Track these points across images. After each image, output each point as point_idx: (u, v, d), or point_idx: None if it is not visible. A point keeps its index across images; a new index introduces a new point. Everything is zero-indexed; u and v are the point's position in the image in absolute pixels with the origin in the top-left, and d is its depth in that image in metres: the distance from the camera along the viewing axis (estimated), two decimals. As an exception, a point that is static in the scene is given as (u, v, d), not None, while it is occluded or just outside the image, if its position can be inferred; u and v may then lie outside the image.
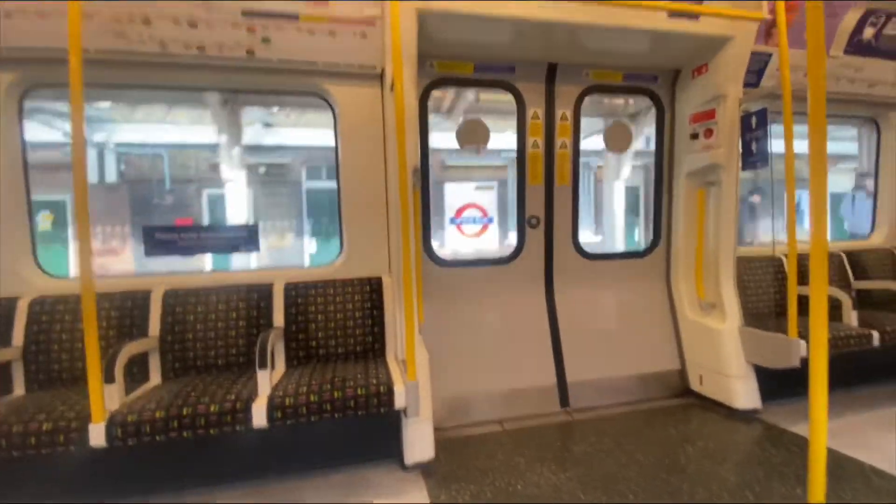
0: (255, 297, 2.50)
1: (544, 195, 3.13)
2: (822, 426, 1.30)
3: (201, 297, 2.44)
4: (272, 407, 1.90)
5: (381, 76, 2.66)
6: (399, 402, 2.03)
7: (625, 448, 2.41)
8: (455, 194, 6.34)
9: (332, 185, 2.86)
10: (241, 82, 2.61)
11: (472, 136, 3.11)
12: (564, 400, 2.97)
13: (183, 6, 2.23)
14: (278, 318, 2.49)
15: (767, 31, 2.84)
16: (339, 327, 2.54)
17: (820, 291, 1.28)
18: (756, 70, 3.04)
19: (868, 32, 3.05)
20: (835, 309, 3.00)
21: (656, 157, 3.37)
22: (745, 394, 2.78)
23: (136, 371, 2.30)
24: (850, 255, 3.50)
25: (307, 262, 7.11)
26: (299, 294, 2.55)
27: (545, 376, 2.99)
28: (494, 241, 5.73)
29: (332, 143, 2.79)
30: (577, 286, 3.21)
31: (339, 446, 2.33)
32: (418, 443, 2.26)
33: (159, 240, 2.55)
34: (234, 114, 5.06)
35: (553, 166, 3.12)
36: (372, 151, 2.73)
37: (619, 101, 5.51)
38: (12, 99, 2.35)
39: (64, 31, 1.71)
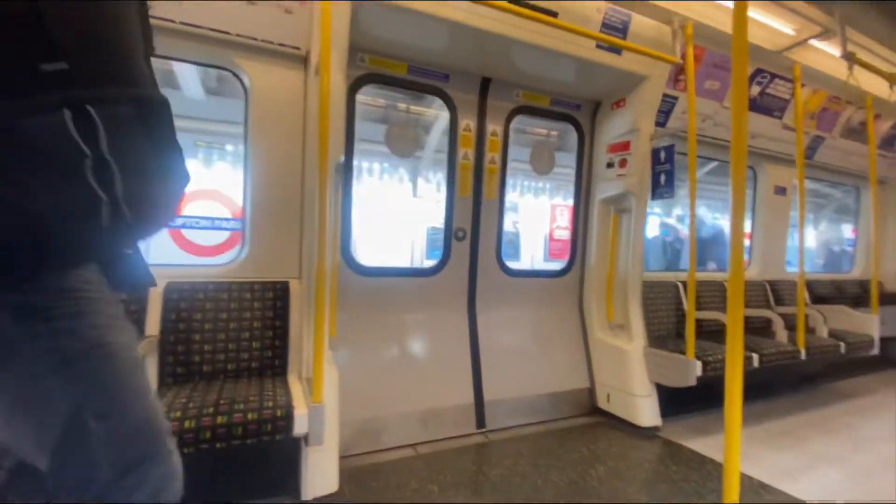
0: (125, 298, 2.04)
1: (472, 208, 3.07)
2: (735, 440, 1.33)
3: None
4: None
5: (306, 60, 2.40)
6: (299, 428, 1.74)
7: (540, 470, 2.34)
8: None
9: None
10: None
11: (402, 140, 2.98)
12: (481, 420, 2.86)
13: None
14: (152, 326, 2.05)
15: (676, 76, 3.12)
16: (231, 339, 2.17)
17: (736, 315, 1.33)
18: (665, 111, 3.31)
19: (754, 90, 3.51)
20: (722, 332, 3.31)
21: (576, 183, 3.51)
22: (648, 412, 2.90)
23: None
24: (732, 285, 3.92)
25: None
26: (183, 297, 2.14)
27: (462, 395, 2.86)
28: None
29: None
30: (498, 303, 3.16)
31: (219, 481, 1.95)
32: (320, 475, 1.97)
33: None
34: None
35: (482, 180, 3.08)
36: (289, 140, 2.44)
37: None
38: None
39: None
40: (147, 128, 0.72)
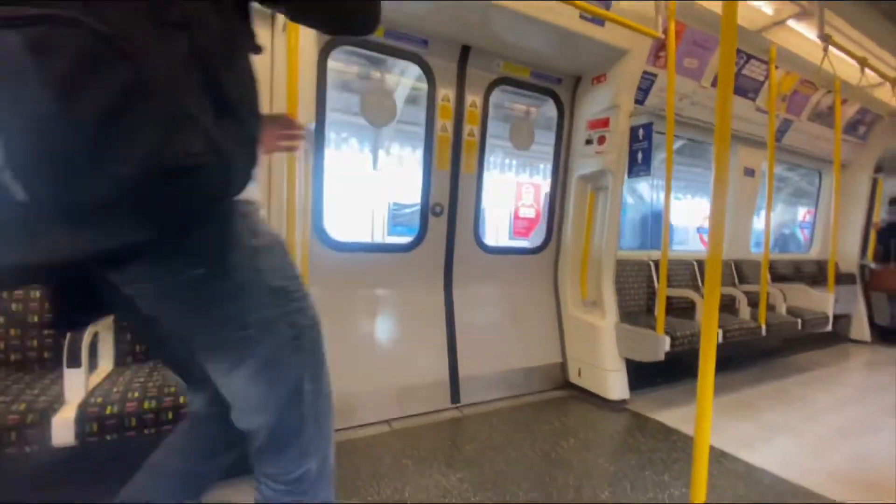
0: None
1: (450, 183, 2.99)
2: (706, 427, 1.36)
3: None
4: (84, 418, 1.40)
5: (273, 16, 2.22)
6: (270, 406, 1.67)
7: (513, 443, 2.38)
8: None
9: None
10: None
11: (379, 109, 2.85)
12: (456, 395, 2.87)
13: None
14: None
15: (656, 53, 3.08)
16: (195, 314, 2.06)
17: (713, 291, 1.33)
18: (644, 88, 3.28)
19: (731, 69, 3.50)
20: (689, 309, 3.41)
21: (555, 159, 3.47)
22: (617, 386, 2.98)
23: None
24: (700, 263, 4.03)
25: None
26: None
27: (438, 371, 2.85)
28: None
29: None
30: (475, 279, 3.14)
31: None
32: None
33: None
34: None
35: (460, 153, 2.99)
36: None
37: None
38: None
39: None
40: (40, 63, 0.48)
